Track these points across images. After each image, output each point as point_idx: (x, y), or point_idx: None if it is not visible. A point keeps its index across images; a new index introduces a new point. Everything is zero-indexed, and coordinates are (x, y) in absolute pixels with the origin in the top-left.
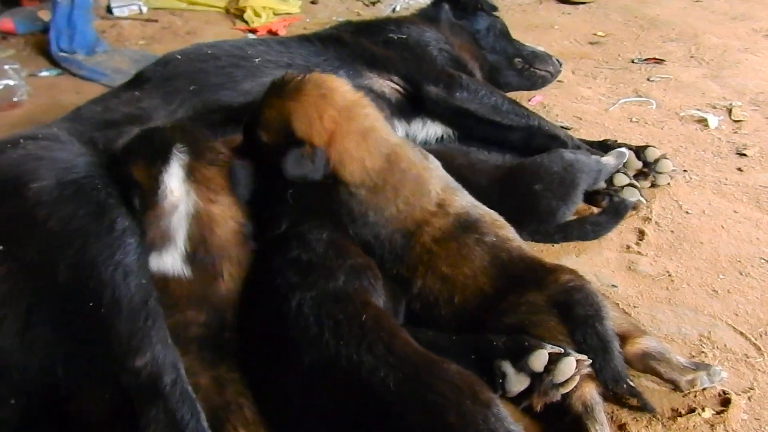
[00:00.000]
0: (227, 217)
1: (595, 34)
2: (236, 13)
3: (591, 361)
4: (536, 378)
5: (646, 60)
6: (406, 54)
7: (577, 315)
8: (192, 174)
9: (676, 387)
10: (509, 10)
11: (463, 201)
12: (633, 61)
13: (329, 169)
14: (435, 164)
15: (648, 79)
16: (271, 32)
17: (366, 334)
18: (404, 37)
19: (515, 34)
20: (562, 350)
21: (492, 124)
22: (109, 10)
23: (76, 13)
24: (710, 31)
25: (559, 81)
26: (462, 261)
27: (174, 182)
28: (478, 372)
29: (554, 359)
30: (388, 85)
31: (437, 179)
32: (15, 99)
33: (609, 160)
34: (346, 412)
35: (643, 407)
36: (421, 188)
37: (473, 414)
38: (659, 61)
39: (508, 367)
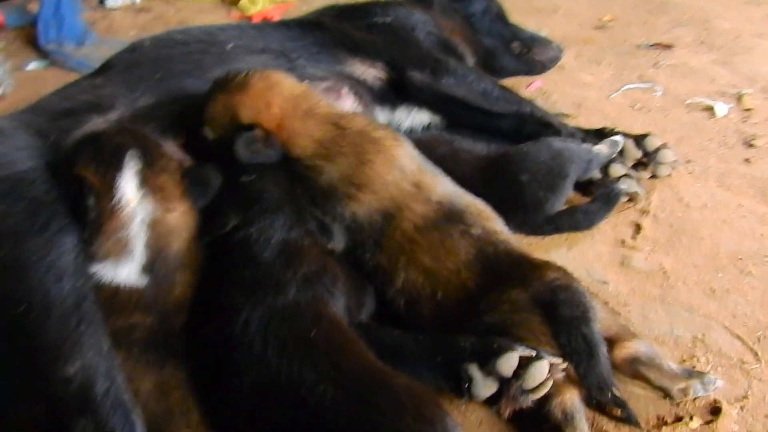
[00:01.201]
0: (183, 226)
1: (601, 19)
2: (231, 1)
3: (565, 365)
4: (505, 383)
5: (653, 45)
6: (390, 38)
7: (562, 316)
8: (146, 182)
9: (666, 395)
10: None
11: (445, 188)
12: (639, 47)
13: (280, 151)
14: (404, 140)
15: (654, 65)
16: (266, 19)
17: (311, 350)
18: (389, 20)
19: (517, 18)
20: (534, 353)
21: (481, 111)
22: (100, 1)
23: (65, 4)
24: (722, 16)
25: (560, 66)
26: (445, 254)
27: (129, 189)
28: (445, 375)
29: (524, 363)
30: (370, 72)
31: (409, 157)
32: None
33: (601, 148)
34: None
35: (627, 419)
36: (387, 157)
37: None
38: (667, 46)
39: (475, 371)
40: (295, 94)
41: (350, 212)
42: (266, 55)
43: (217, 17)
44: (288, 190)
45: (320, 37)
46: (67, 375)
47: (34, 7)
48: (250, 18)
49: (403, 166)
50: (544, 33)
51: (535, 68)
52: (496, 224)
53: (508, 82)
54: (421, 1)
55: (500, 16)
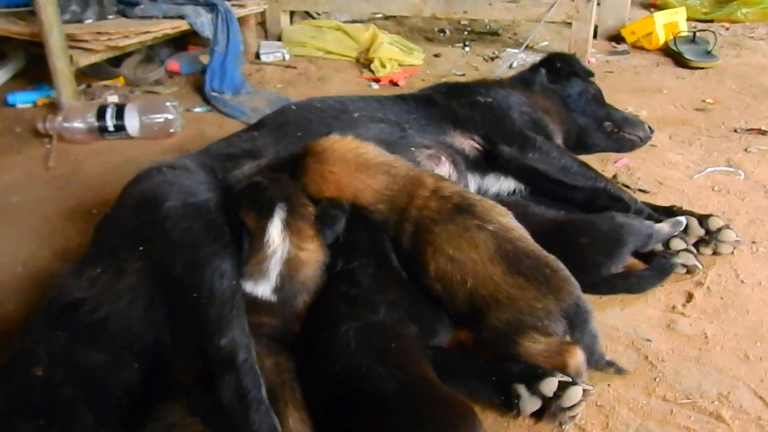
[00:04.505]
0: (312, 260)
1: (703, 101)
2: (365, 63)
3: (595, 389)
4: (546, 401)
5: (748, 130)
6: (488, 116)
7: (579, 320)
8: (288, 226)
9: None
10: (623, 72)
11: (455, 187)
12: (735, 131)
13: (348, 209)
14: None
15: (745, 150)
16: (392, 82)
17: (388, 355)
18: (490, 100)
19: (622, 96)
20: (571, 379)
21: (560, 183)
22: (257, 56)
23: (229, 59)
24: None
25: (652, 145)
26: (466, 245)
27: (275, 232)
28: (497, 392)
29: (563, 386)
30: (468, 143)
31: (429, 175)
32: (171, 130)
33: (663, 227)
34: (357, 408)
35: (619, 371)
36: (418, 182)
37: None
38: (763, 132)
39: (522, 390)
40: (340, 155)
41: (397, 233)
42: (384, 124)
43: (351, 76)
44: (373, 235)
45: (429, 111)
46: (220, 344)
47: (204, 59)
48: (378, 80)
49: (425, 182)
50: (644, 112)
51: (624, 146)
52: (510, 220)
53: (598, 156)
54: (525, 82)
55: (596, 98)
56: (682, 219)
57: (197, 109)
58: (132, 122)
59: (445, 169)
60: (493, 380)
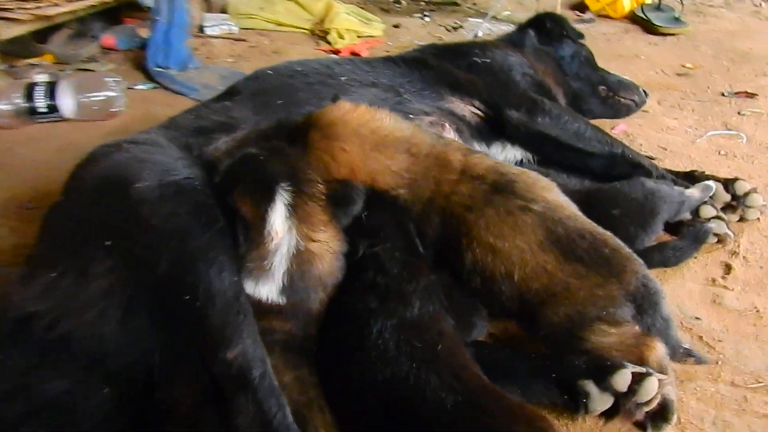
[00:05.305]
0: (326, 252)
1: (683, 66)
2: (320, 35)
3: (672, 379)
4: (620, 397)
5: (736, 93)
6: (489, 78)
7: (650, 303)
8: (295, 211)
9: None
10: (594, 39)
11: (488, 161)
12: (723, 94)
13: (365, 191)
14: (449, 139)
15: (738, 113)
16: (353, 53)
17: (437, 360)
18: (488, 61)
19: (599, 63)
20: (645, 370)
21: (573, 150)
22: (201, 29)
23: (173, 31)
24: None
25: (644, 111)
26: (510, 232)
27: (278, 221)
28: (560, 391)
29: (638, 379)
30: (469, 109)
31: (456, 150)
32: (113, 109)
33: (693, 192)
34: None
35: (700, 360)
36: (443, 163)
37: None
38: (751, 95)
39: (591, 387)
40: (353, 129)
41: (423, 220)
42: (377, 88)
43: (307, 49)
44: (396, 213)
45: (425, 74)
46: (228, 357)
47: (143, 32)
48: (337, 51)
49: (451, 161)
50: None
51: (620, 112)
52: (558, 196)
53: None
54: (515, 44)
55: (589, 61)
56: (712, 183)
57: (140, 87)
58: (67, 102)
59: (449, 138)
60: (553, 378)
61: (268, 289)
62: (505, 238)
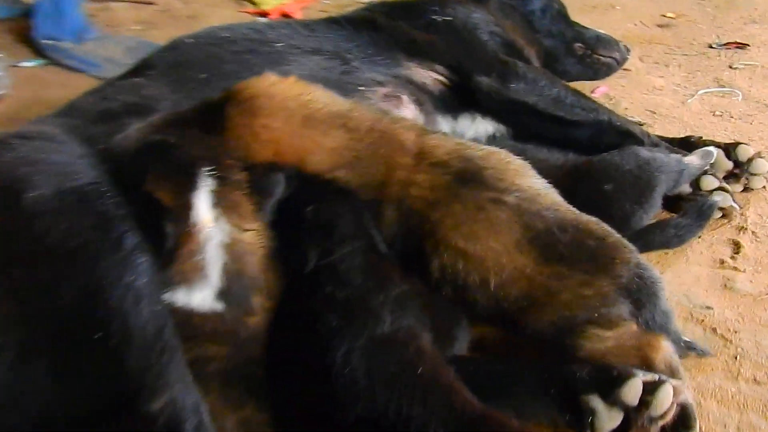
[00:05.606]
0: (258, 245)
1: (664, 16)
2: None
3: (687, 383)
4: (631, 412)
5: (726, 44)
6: (451, 39)
7: (645, 295)
8: (221, 200)
9: None
10: None
11: (448, 143)
12: (711, 46)
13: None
14: (398, 116)
15: (730, 67)
16: (284, 15)
17: (421, 387)
18: (449, 18)
19: (570, 16)
20: (657, 377)
21: (554, 119)
22: None
23: None
24: None
25: (625, 69)
26: (482, 231)
27: (204, 208)
28: (561, 409)
29: (650, 389)
30: (430, 76)
31: (408, 128)
32: None
33: (693, 159)
34: None
35: (703, 353)
36: (393, 142)
37: None
38: (742, 45)
39: (597, 402)
40: (286, 106)
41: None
42: (319, 56)
43: (230, 12)
44: (353, 208)
45: (375, 37)
46: (152, 410)
47: None
48: (266, 14)
49: (403, 143)
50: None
51: (599, 72)
52: (533, 181)
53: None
54: None
55: (562, 15)
56: (712, 149)
57: (27, 64)
58: None
59: (408, 111)
60: (552, 393)
61: (202, 295)
62: (476, 240)
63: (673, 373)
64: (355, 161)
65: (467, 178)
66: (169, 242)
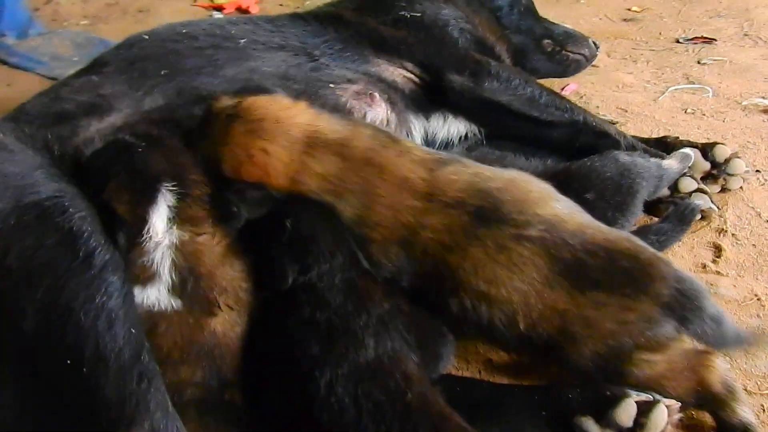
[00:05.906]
0: (213, 243)
1: (629, 10)
2: None
3: (680, 404)
4: None
5: (693, 39)
6: (422, 35)
7: (690, 308)
8: (178, 214)
9: None
10: None
11: (463, 175)
12: (678, 41)
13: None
14: (409, 144)
15: (699, 62)
16: (240, 9)
17: (412, 416)
18: (418, 15)
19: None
20: (651, 397)
21: (528, 119)
22: None
23: None
24: (763, 4)
25: (593, 66)
26: (505, 273)
27: (159, 223)
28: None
29: (644, 410)
30: (400, 74)
31: (417, 162)
32: None
33: (671, 163)
34: None
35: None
36: (393, 179)
37: None
38: (709, 40)
39: (590, 425)
40: (290, 134)
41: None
42: (285, 52)
43: (183, 5)
44: (333, 223)
45: (342, 33)
46: None
47: None
48: (221, 7)
49: (408, 178)
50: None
51: (569, 69)
52: (553, 207)
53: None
54: None
55: (530, 10)
56: (690, 151)
57: None
58: None
59: (380, 110)
60: (543, 416)
61: (156, 291)
62: (500, 283)
63: (731, 394)
64: (342, 191)
65: (485, 216)
66: (120, 250)
